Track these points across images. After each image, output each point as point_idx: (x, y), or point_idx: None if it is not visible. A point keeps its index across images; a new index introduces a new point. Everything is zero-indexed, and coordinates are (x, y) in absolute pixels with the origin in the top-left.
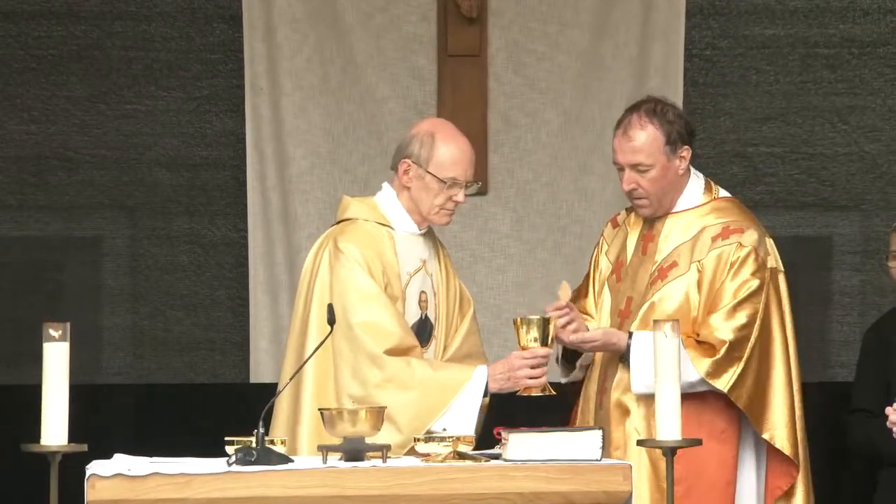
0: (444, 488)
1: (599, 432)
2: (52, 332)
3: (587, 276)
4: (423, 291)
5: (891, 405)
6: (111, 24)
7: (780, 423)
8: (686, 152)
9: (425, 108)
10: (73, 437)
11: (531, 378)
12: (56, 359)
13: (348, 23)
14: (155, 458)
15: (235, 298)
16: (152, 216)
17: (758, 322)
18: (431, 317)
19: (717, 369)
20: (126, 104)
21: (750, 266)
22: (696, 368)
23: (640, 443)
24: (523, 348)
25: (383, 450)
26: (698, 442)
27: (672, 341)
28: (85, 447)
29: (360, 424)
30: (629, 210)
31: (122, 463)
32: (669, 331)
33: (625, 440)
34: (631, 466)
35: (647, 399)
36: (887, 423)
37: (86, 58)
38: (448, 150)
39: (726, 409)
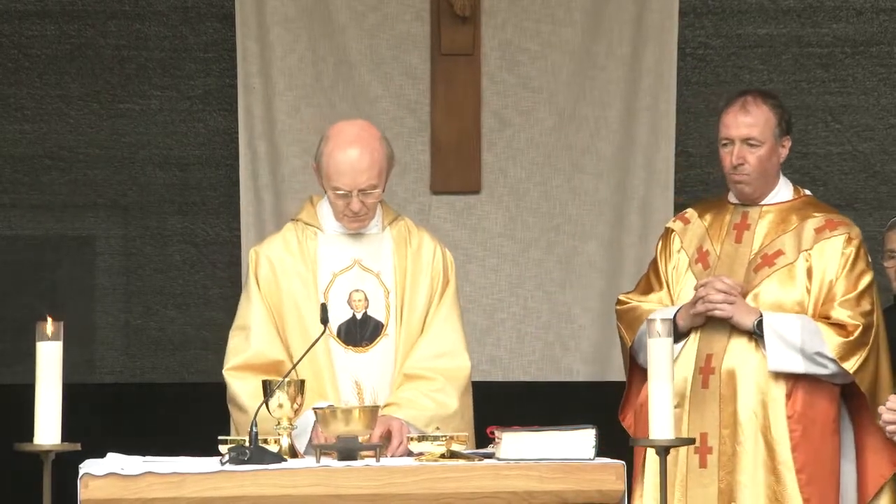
0: (438, 487)
1: (593, 431)
2: (46, 331)
3: (654, 271)
4: (356, 290)
5: (884, 404)
6: (104, 23)
7: None
8: (787, 143)
9: (418, 107)
10: (66, 437)
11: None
12: (49, 358)
13: (341, 21)
14: (148, 457)
15: (228, 297)
16: (145, 215)
17: (876, 311)
18: (378, 316)
19: (847, 352)
20: (119, 103)
21: (863, 258)
22: (828, 346)
23: (632, 441)
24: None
25: (377, 449)
26: (691, 441)
27: (665, 340)
28: (78, 446)
29: (354, 423)
30: (696, 208)
31: (115, 462)
32: (662, 330)
33: (735, 419)
34: (624, 465)
35: (765, 380)
36: (880, 422)
37: (79, 57)
38: (332, 161)
39: (835, 400)
